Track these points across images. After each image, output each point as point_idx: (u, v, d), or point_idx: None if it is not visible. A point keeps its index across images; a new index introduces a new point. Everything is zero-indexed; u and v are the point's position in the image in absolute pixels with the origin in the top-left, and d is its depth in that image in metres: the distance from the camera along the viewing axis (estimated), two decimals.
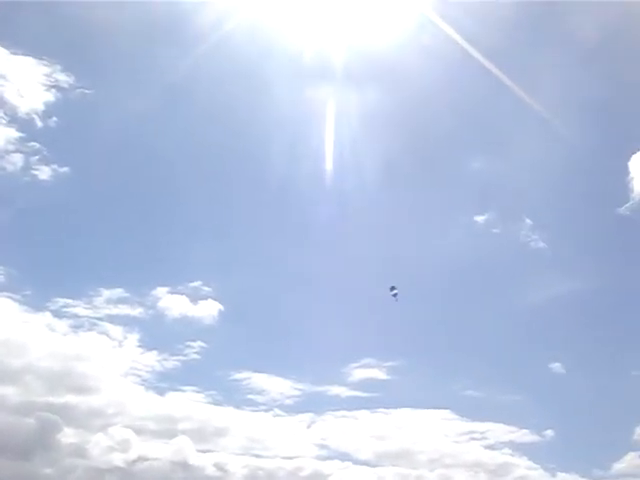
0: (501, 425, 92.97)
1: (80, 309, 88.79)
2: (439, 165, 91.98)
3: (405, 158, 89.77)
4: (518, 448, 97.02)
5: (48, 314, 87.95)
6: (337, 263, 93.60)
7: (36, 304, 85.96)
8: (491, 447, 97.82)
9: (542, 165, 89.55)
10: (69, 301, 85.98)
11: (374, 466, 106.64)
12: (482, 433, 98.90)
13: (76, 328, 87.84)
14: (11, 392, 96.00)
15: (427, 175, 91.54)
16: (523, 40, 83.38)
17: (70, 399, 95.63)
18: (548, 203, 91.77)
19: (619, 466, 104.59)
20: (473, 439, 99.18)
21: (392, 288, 33.29)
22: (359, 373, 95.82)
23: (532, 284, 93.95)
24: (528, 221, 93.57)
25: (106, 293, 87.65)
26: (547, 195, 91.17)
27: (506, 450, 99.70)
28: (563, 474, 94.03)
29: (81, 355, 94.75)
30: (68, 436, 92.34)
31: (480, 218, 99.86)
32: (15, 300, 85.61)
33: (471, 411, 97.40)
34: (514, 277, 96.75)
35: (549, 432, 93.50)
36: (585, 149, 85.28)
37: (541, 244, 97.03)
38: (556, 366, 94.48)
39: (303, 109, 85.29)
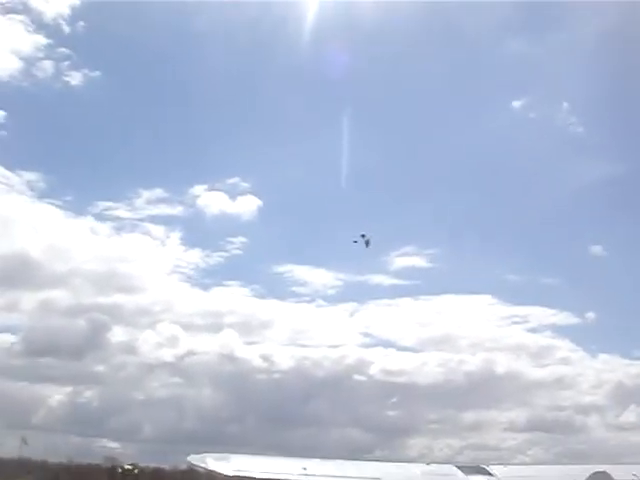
0: (542, 308, 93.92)
1: (121, 211, 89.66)
2: (473, 49, 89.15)
3: (436, 40, 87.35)
4: (560, 331, 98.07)
5: (90, 218, 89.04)
6: (375, 152, 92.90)
7: (78, 209, 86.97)
8: (533, 330, 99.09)
9: (579, 48, 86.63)
10: (110, 204, 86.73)
11: (417, 352, 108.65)
12: (523, 317, 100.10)
13: (119, 230, 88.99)
14: (60, 295, 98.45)
15: (460, 59, 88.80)
16: None
17: (118, 299, 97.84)
18: (586, 86, 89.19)
19: None
20: (515, 323, 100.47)
21: (363, 236, 32.04)
22: (400, 261, 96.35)
23: (571, 168, 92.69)
24: (566, 105, 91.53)
25: (145, 194, 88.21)
26: (584, 78, 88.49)
27: (548, 333, 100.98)
28: (604, 355, 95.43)
29: (125, 256, 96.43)
30: (118, 335, 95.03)
31: (517, 103, 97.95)
32: (57, 206, 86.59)
33: (512, 295, 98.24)
34: (553, 162, 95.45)
35: (590, 314, 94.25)
36: (621, 31, 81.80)
37: (580, 128, 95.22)
38: (597, 249, 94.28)
39: None
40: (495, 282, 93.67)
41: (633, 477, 19.02)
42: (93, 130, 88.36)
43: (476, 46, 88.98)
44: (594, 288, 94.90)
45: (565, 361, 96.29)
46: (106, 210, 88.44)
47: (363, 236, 35.27)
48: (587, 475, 15.00)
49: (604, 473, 14.47)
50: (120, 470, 73.56)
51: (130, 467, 75.18)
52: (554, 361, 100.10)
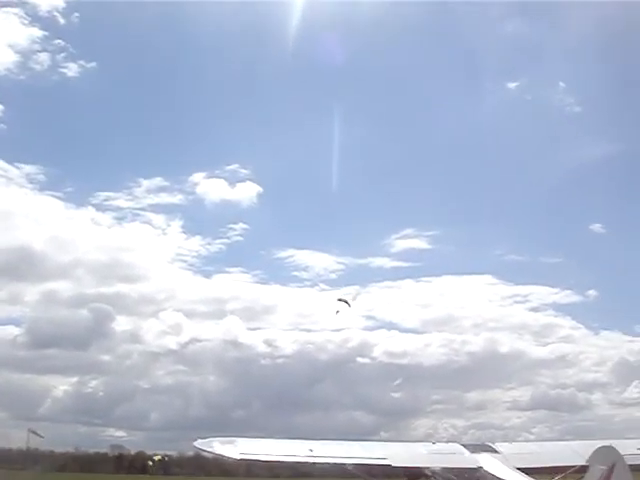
0: (544, 287, 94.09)
1: (122, 201, 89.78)
2: (466, 31, 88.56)
3: (429, 23, 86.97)
4: (561, 309, 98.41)
5: (91, 209, 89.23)
6: (372, 136, 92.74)
7: (79, 200, 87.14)
8: (535, 309, 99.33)
9: (575, 29, 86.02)
10: (110, 194, 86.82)
11: (420, 333, 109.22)
12: (525, 296, 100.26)
13: (120, 220, 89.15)
14: (63, 287, 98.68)
15: (454, 41, 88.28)
16: None
17: (121, 288, 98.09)
18: (582, 66, 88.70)
19: None
20: (516, 302, 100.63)
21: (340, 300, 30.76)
22: (400, 244, 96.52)
23: (569, 148, 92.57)
24: (562, 85, 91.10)
25: (145, 183, 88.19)
26: (580, 58, 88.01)
27: (550, 312, 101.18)
28: (606, 332, 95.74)
29: (127, 246, 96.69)
30: (122, 324, 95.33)
31: (512, 85, 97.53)
32: (58, 198, 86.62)
33: (513, 275, 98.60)
34: (551, 142, 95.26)
35: (592, 292, 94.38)
36: (618, 10, 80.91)
37: (577, 108, 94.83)
38: (596, 227, 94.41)
39: None
40: (496, 262, 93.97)
41: (638, 451, 19.07)
42: (91, 121, 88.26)
43: (470, 28, 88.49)
44: (595, 266, 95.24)
45: (567, 339, 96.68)
46: (106, 200, 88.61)
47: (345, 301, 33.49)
48: (592, 450, 15.03)
49: (610, 447, 14.51)
50: (151, 463, 73.26)
51: (159, 458, 75.37)
52: (556, 339, 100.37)
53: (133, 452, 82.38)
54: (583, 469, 15.76)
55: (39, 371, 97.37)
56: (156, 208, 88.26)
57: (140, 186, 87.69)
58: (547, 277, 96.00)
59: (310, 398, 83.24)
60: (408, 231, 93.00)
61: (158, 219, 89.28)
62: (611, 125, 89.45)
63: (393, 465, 18.86)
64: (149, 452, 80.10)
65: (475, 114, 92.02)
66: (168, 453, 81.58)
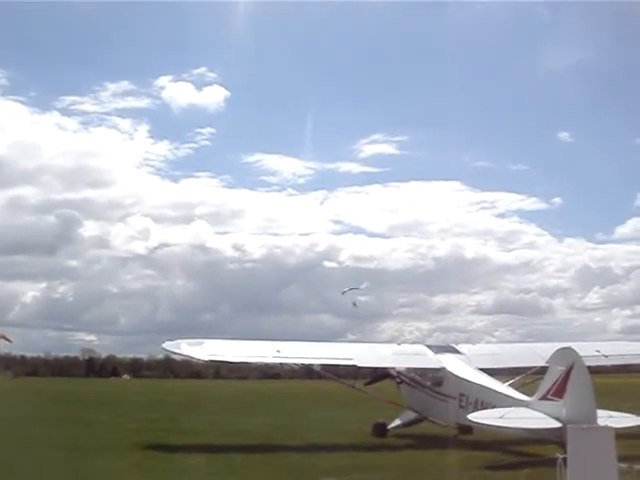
0: (510, 194, 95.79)
1: (88, 105, 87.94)
2: None
3: None
4: (527, 216, 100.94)
5: (56, 113, 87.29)
6: (341, 38, 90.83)
7: (43, 104, 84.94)
8: (501, 215, 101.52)
9: None
10: (76, 98, 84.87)
11: (387, 238, 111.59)
12: (492, 202, 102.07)
13: (86, 124, 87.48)
14: (29, 192, 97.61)
15: None
16: None
17: (88, 194, 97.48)
18: None
19: (622, 230, 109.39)
20: (483, 208, 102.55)
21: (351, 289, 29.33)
22: (369, 149, 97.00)
23: (539, 56, 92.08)
24: None
25: (111, 87, 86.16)
26: None
27: (515, 218, 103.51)
28: (570, 239, 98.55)
29: (94, 150, 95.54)
30: (89, 229, 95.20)
31: None
32: (22, 103, 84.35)
33: (481, 181, 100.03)
34: (520, 50, 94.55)
35: (557, 200, 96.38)
36: None
37: (548, 17, 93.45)
38: (564, 135, 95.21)
39: None
40: (464, 168, 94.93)
41: (596, 353, 19.69)
42: (55, 23, 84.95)
43: None
44: (561, 174, 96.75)
45: (531, 245, 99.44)
46: (72, 105, 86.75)
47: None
48: (552, 351, 15.40)
49: (569, 349, 14.85)
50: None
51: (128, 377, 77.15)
52: (521, 245, 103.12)
53: (104, 356, 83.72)
54: (543, 370, 16.15)
55: (7, 277, 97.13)
56: (122, 112, 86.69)
57: (106, 90, 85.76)
58: (514, 184, 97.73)
59: (278, 302, 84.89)
60: (377, 136, 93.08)
61: (125, 123, 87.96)
62: (582, 35, 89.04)
63: (359, 365, 19.30)
64: (119, 356, 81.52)
65: (446, 20, 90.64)
66: (138, 356, 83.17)
